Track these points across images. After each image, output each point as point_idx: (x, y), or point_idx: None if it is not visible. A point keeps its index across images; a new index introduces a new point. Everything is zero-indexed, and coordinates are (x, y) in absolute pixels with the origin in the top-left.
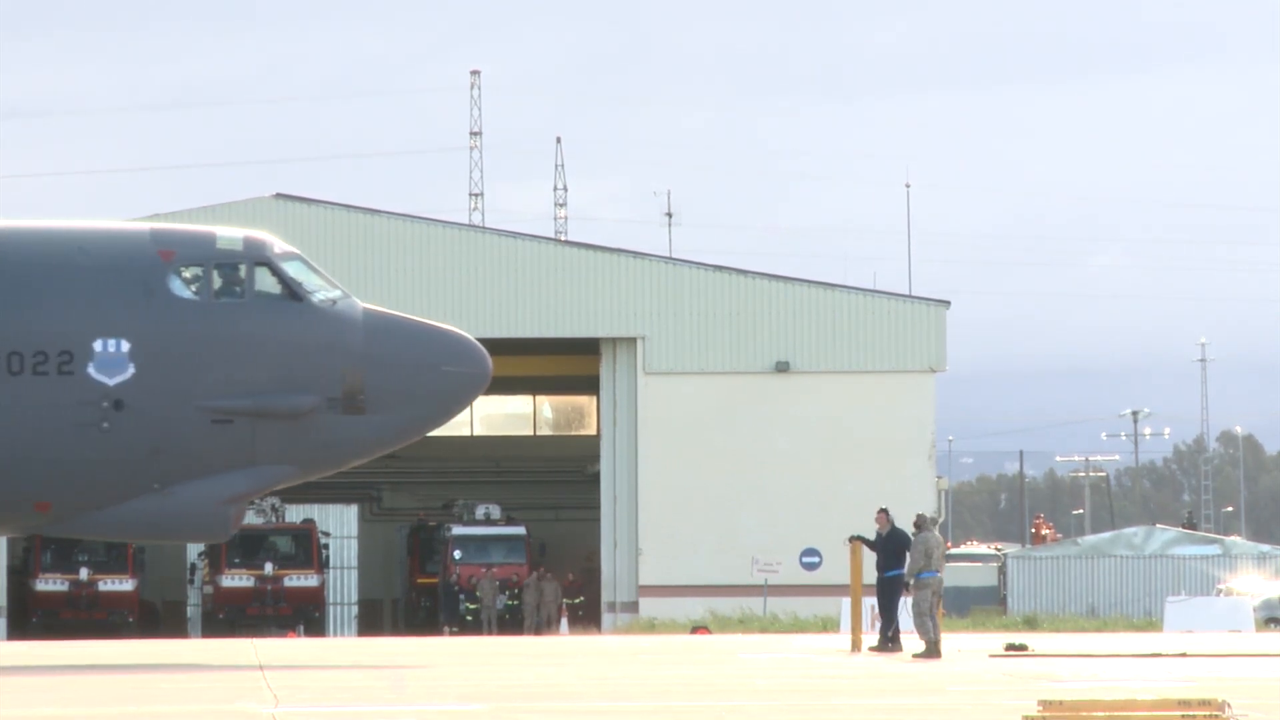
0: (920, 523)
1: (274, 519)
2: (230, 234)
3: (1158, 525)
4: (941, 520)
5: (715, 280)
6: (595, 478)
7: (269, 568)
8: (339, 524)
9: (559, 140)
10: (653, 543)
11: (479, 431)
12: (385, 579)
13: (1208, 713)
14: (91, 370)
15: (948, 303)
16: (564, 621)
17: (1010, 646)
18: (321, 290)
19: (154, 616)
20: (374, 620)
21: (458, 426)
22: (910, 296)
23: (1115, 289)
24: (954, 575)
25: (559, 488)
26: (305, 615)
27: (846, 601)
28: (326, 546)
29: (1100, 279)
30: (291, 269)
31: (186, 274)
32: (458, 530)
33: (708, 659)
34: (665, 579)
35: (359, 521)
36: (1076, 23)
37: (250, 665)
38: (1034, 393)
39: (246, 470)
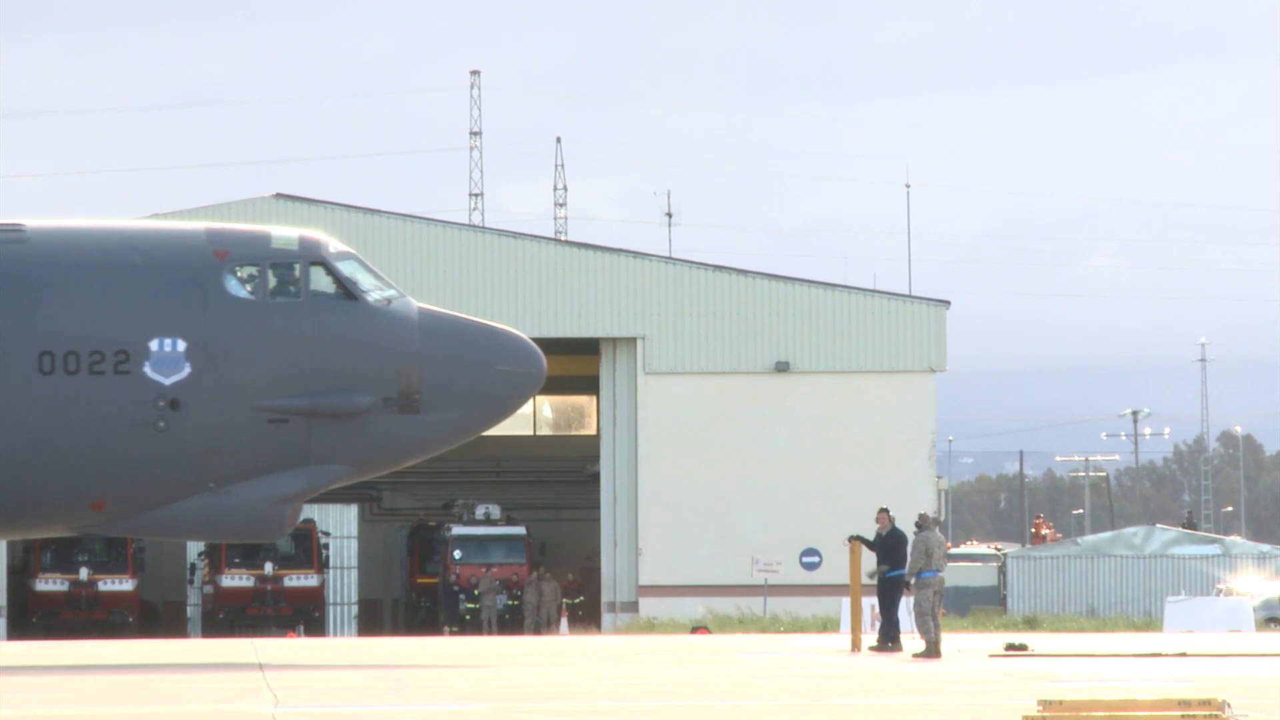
0: (922, 522)
1: None
2: (285, 233)
3: (1158, 525)
4: (941, 520)
5: (715, 280)
6: (595, 478)
7: (269, 568)
8: (339, 524)
9: (559, 140)
10: (653, 543)
11: None
12: (385, 579)
13: (1208, 713)
14: (148, 370)
15: (948, 303)
16: (564, 621)
17: (1010, 646)
18: (377, 289)
19: (154, 616)
20: (374, 620)
21: None
22: (910, 296)
23: (1115, 289)
24: (954, 575)
25: (559, 488)
26: (305, 615)
27: (846, 601)
28: (326, 546)
29: (1100, 279)
30: (346, 268)
31: (242, 273)
32: (458, 530)
33: (708, 659)
34: (665, 579)
35: (359, 521)
36: (1076, 24)
37: (250, 665)
38: (1034, 393)
39: (301, 470)
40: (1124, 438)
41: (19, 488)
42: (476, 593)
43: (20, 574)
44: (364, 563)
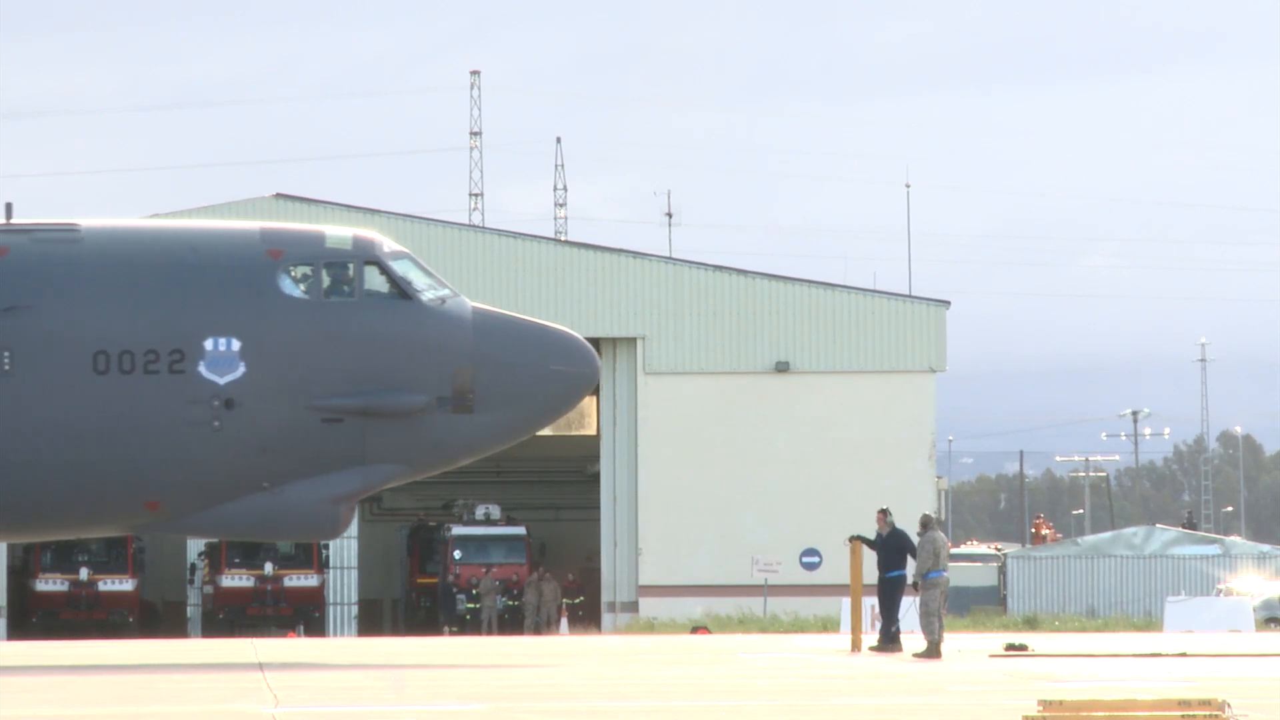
0: (926, 522)
1: None
2: (339, 233)
3: (1158, 525)
4: (942, 520)
5: (715, 280)
6: (595, 478)
7: (269, 568)
8: None
9: (559, 140)
10: (653, 543)
11: None
12: (385, 579)
13: (1208, 713)
14: (202, 369)
15: (948, 303)
16: (564, 621)
17: (1010, 646)
18: (431, 289)
19: (154, 616)
20: (374, 620)
21: None
22: (910, 296)
23: (1115, 289)
24: (954, 575)
25: (559, 488)
26: (305, 615)
27: (846, 601)
28: (327, 546)
29: (1100, 279)
30: (400, 268)
31: (296, 273)
32: (458, 530)
33: (708, 659)
34: (665, 579)
35: (359, 521)
36: (1076, 24)
37: (250, 665)
38: (1034, 393)
39: (356, 469)
40: (1124, 438)
41: (74, 488)
42: (475, 592)
43: (20, 574)
44: (364, 563)
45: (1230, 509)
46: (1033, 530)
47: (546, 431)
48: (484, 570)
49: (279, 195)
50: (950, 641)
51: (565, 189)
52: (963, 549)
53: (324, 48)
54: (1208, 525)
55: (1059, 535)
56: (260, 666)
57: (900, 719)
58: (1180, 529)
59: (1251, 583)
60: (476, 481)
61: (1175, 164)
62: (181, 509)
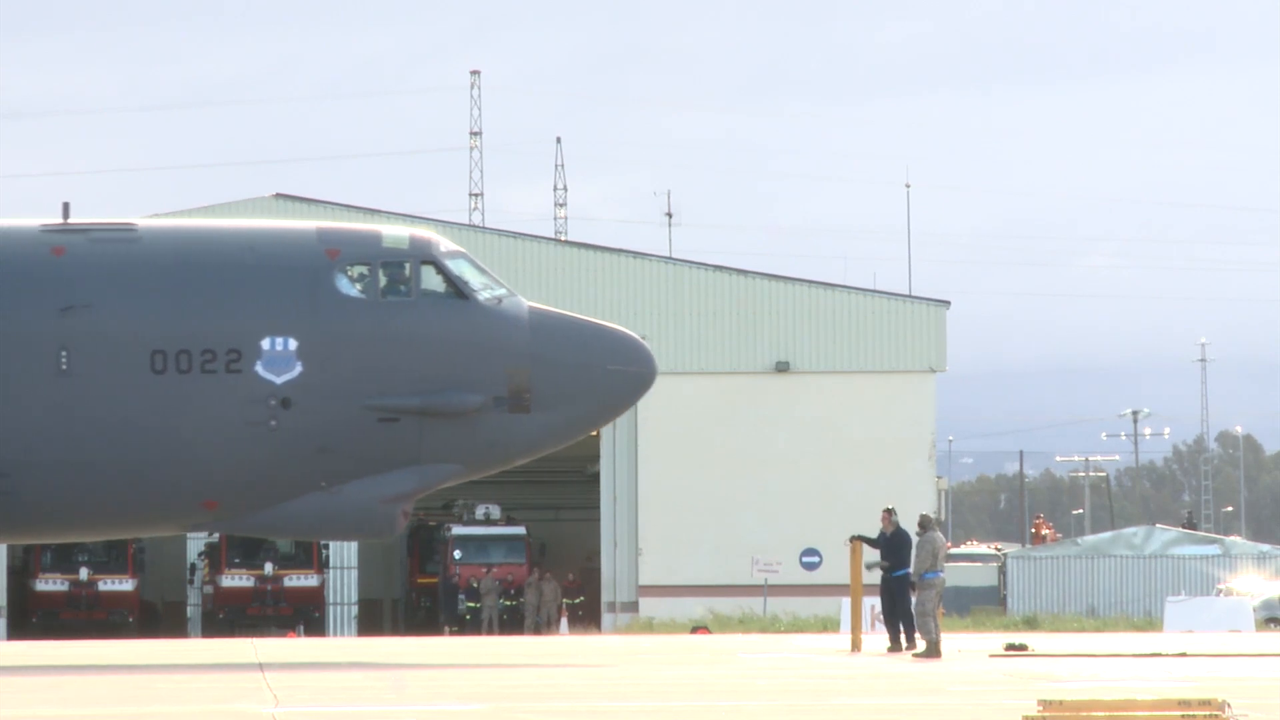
0: (925, 523)
1: None
2: (396, 233)
3: (1158, 525)
4: (941, 520)
5: (715, 280)
6: (595, 478)
7: (269, 568)
8: None
9: (559, 140)
10: (653, 543)
11: None
12: (385, 579)
13: (1208, 713)
14: (259, 369)
15: (948, 303)
16: (564, 621)
17: (1010, 646)
18: (487, 289)
19: (154, 616)
20: (374, 620)
21: None
22: (910, 296)
23: (1115, 289)
24: (954, 575)
25: (559, 488)
26: (305, 615)
27: (846, 601)
28: (326, 546)
29: (1100, 279)
30: (457, 267)
31: (353, 273)
32: (458, 530)
33: (708, 659)
34: (665, 579)
35: None
36: (1076, 24)
37: (250, 665)
38: (1034, 393)
39: (412, 469)
40: (1124, 438)
41: (132, 488)
42: (475, 588)
43: (20, 574)
44: (364, 563)
45: (1230, 509)
46: (1033, 530)
47: None
48: (484, 570)
49: (279, 195)
50: (950, 641)
51: (565, 189)
52: (963, 549)
53: (324, 48)
54: (1208, 525)
55: (1059, 535)
56: (260, 666)
57: (900, 719)
58: (1180, 529)
59: (1251, 583)
60: (476, 481)
61: (1175, 164)
62: (239, 509)
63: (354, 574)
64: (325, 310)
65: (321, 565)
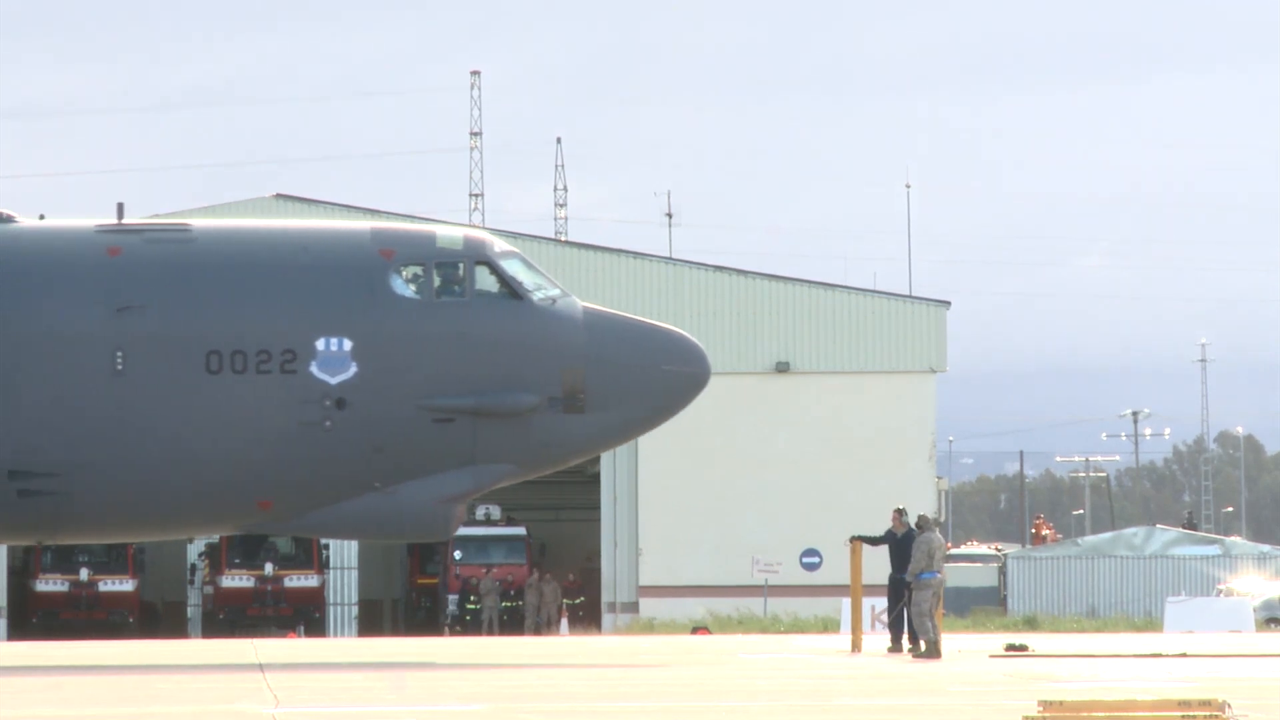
0: (923, 523)
1: None
2: (450, 233)
3: (1158, 525)
4: (941, 520)
5: (715, 280)
6: (595, 478)
7: (269, 568)
8: None
9: (559, 140)
10: (653, 543)
11: None
12: (385, 579)
13: (1208, 713)
14: (314, 369)
15: (948, 303)
16: (564, 622)
17: (1010, 647)
18: (542, 289)
19: (154, 616)
20: (374, 620)
21: None
22: (910, 296)
23: (1115, 289)
24: (954, 575)
25: (559, 488)
26: (305, 615)
27: (847, 602)
28: (327, 546)
29: (1100, 279)
30: (511, 267)
31: (407, 273)
32: (458, 530)
33: (708, 659)
34: (665, 579)
35: None
36: (1077, 24)
37: (250, 665)
38: (1034, 393)
39: (467, 469)
40: (1124, 438)
41: (187, 487)
42: (474, 589)
43: (20, 574)
44: (364, 563)
45: (1230, 509)
46: (1033, 530)
47: None
48: (484, 570)
49: (279, 195)
50: (950, 642)
51: (565, 189)
52: (963, 549)
53: (324, 48)
54: (1208, 525)
55: (1059, 535)
56: (260, 667)
57: (901, 719)
58: (1180, 529)
59: (1252, 583)
60: None
61: (1175, 164)
62: (294, 509)
63: (354, 574)
64: (380, 311)
65: (322, 565)
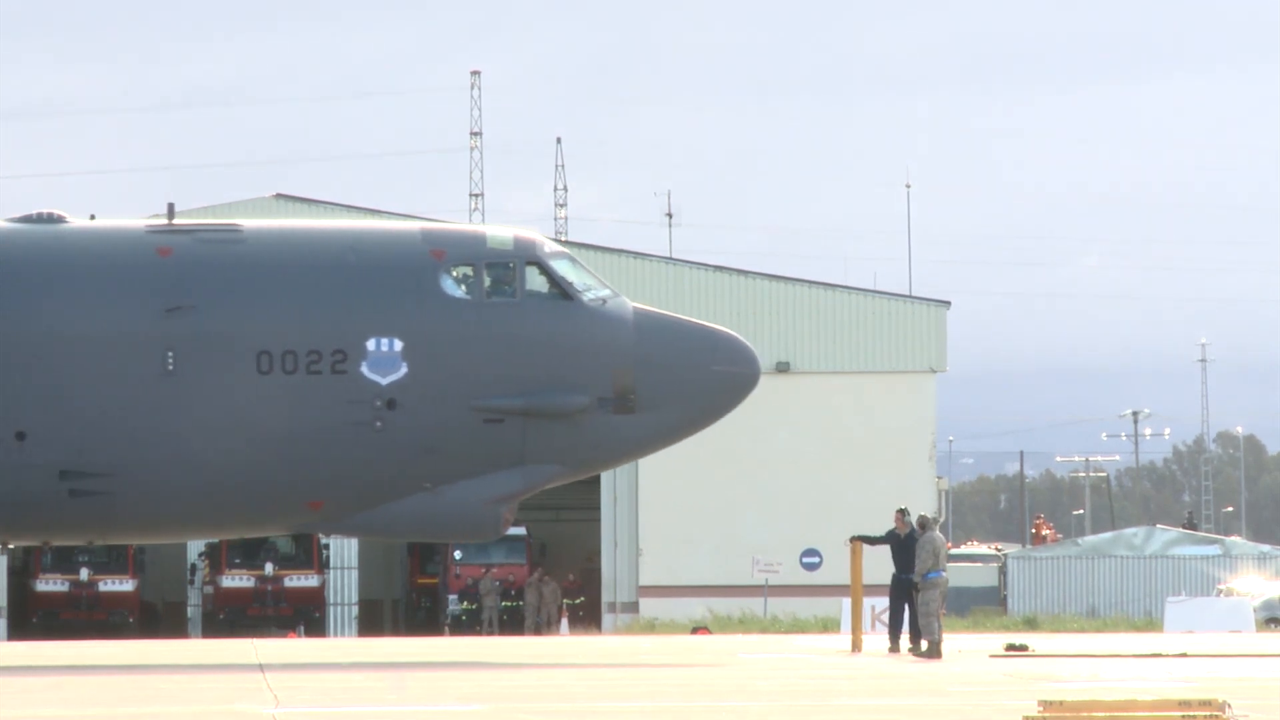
0: (925, 523)
1: None
2: (500, 233)
3: (1158, 525)
4: (941, 520)
5: (715, 280)
6: (595, 478)
7: (269, 568)
8: None
9: (559, 140)
10: (653, 543)
11: None
12: (385, 579)
13: (1208, 713)
14: (365, 369)
15: (948, 303)
16: (564, 622)
17: (1010, 647)
18: (592, 289)
19: (154, 616)
20: (374, 620)
21: None
22: (910, 296)
23: (1115, 289)
24: (954, 575)
25: (559, 488)
26: (305, 615)
27: (847, 602)
28: (327, 547)
29: (1100, 279)
30: (561, 268)
31: (457, 273)
32: None
33: (708, 659)
34: (665, 579)
35: None
36: (1076, 24)
37: (250, 665)
38: (1034, 393)
39: (517, 470)
40: (1124, 438)
41: (238, 488)
42: (470, 591)
43: (20, 574)
44: (364, 563)
45: (1231, 509)
46: (1033, 530)
47: None
48: (484, 570)
49: (279, 195)
50: (950, 642)
51: (565, 189)
52: (963, 549)
53: (324, 48)
54: (1208, 525)
55: (1059, 535)
56: (261, 667)
57: (901, 719)
58: (1181, 529)
59: (1252, 583)
60: None
61: (1175, 164)
62: (344, 509)
63: (354, 574)
64: (431, 311)
65: (322, 565)
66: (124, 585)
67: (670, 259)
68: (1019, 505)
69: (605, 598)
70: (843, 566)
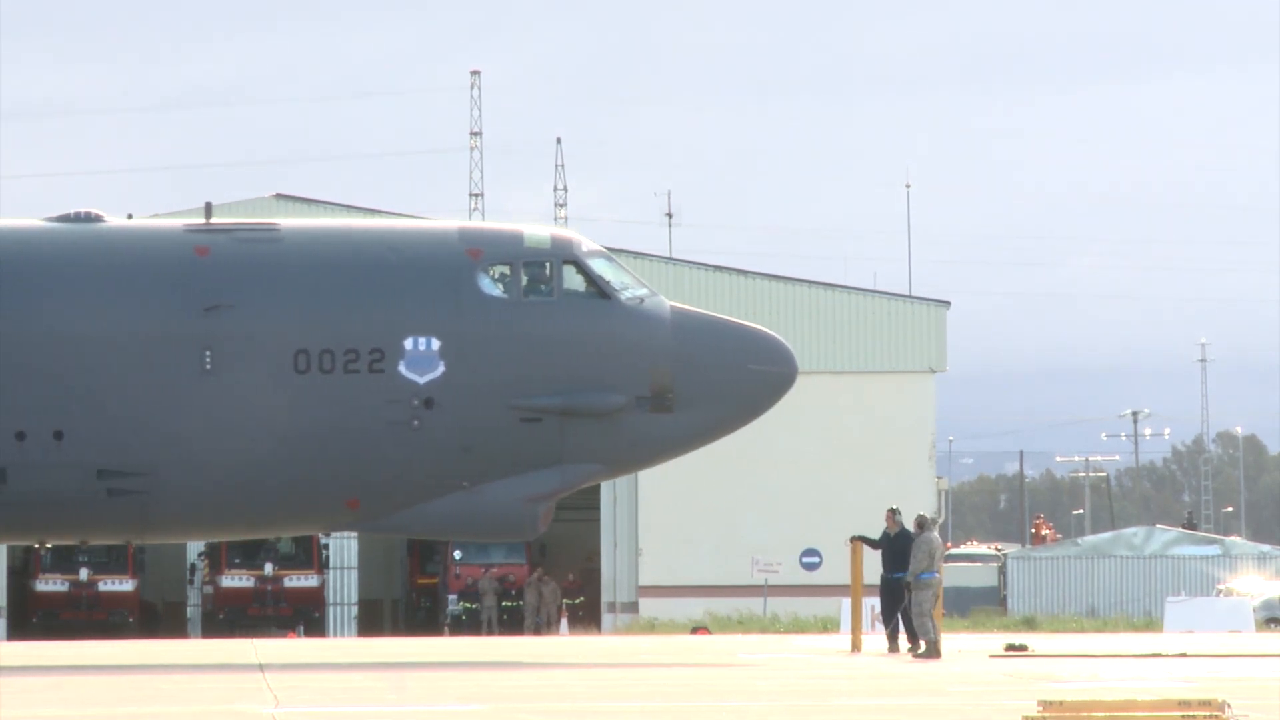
0: (922, 523)
1: None
2: (537, 232)
3: (1158, 525)
4: (941, 520)
5: (715, 280)
6: None
7: (269, 568)
8: None
9: (559, 140)
10: (652, 543)
11: None
12: (385, 579)
13: (1208, 713)
14: (403, 368)
15: (948, 303)
16: (564, 622)
17: (1010, 647)
18: (629, 288)
19: (154, 616)
20: (374, 620)
21: None
22: (910, 296)
23: (1115, 289)
24: (954, 575)
25: None
26: (305, 615)
27: (846, 602)
28: (326, 547)
29: (1100, 279)
30: (599, 267)
31: (495, 272)
32: None
33: (707, 659)
34: (665, 579)
35: None
36: (1076, 24)
37: (250, 665)
38: (1034, 393)
39: (554, 469)
40: (1124, 438)
41: (275, 487)
42: (473, 583)
43: (20, 574)
44: (364, 563)
45: (1230, 509)
46: (1033, 530)
47: None
48: (483, 570)
49: (279, 195)
50: (950, 642)
51: (565, 189)
52: (963, 549)
53: (324, 48)
54: (1208, 525)
55: (1059, 535)
56: (260, 667)
57: (901, 719)
58: (1180, 529)
59: (1252, 583)
60: None
61: (1175, 164)
62: (381, 508)
63: (354, 574)
64: (468, 310)
65: (321, 565)
66: (124, 585)
67: (670, 259)
68: (1019, 505)
69: (605, 598)
70: (842, 566)
